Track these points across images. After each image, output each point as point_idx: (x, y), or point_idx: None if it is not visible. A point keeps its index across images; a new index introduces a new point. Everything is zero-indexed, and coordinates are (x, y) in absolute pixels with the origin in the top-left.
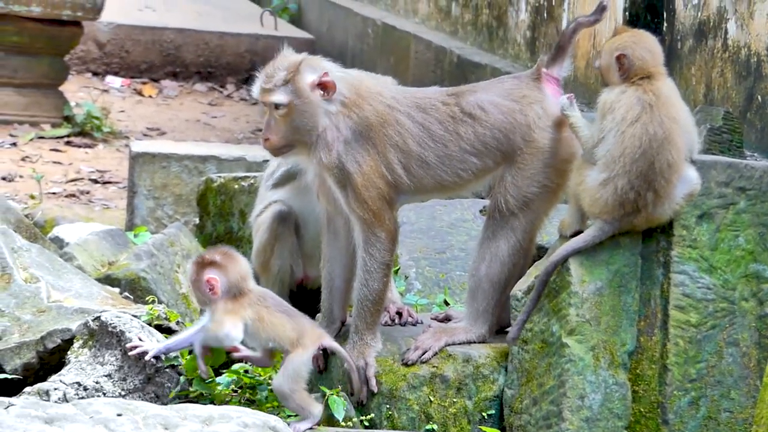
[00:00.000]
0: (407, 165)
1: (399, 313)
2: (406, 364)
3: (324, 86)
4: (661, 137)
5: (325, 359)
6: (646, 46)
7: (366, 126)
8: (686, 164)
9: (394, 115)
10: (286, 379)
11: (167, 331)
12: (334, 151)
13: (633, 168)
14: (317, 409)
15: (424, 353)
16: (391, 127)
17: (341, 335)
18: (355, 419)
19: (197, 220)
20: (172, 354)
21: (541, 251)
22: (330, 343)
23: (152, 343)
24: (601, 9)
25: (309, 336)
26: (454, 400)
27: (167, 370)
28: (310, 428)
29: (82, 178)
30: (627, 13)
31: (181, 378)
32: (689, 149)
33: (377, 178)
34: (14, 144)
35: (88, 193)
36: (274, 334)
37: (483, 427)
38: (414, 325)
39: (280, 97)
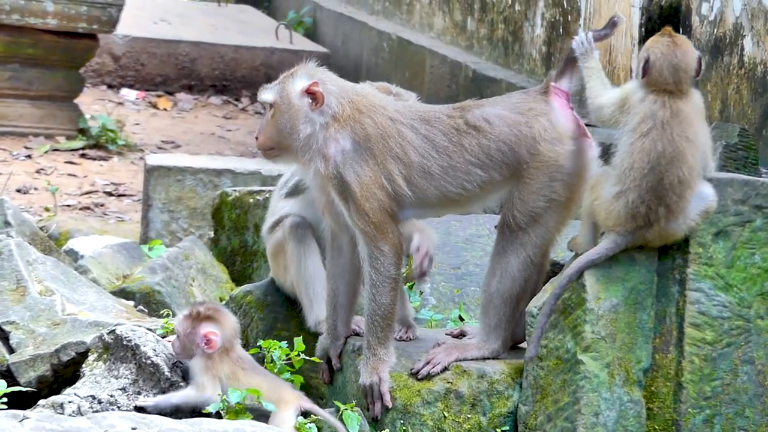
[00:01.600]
0: (408, 176)
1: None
2: (414, 376)
3: (313, 95)
4: (670, 155)
5: (330, 373)
6: (672, 61)
7: (365, 137)
8: (701, 181)
9: (396, 127)
10: None
11: None
12: (332, 162)
13: (643, 183)
14: None
15: (433, 367)
16: (391, 138)
17: (356, 351)
18: None
19: (212, 234)
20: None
21: (556, 267)
22: (310, 405)
23: (150, 400)
24: (613, 24)
25: (288, 395)
26: (469, 416)
27: (182, 384)
28: None
29: (97, 191)
30: (643, 29)
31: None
32: (702, 168)
33: (377, 189)
34: (29, 156)
35: (102, 205)
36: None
37: None
38: (407, 340)
39: (267, 95)
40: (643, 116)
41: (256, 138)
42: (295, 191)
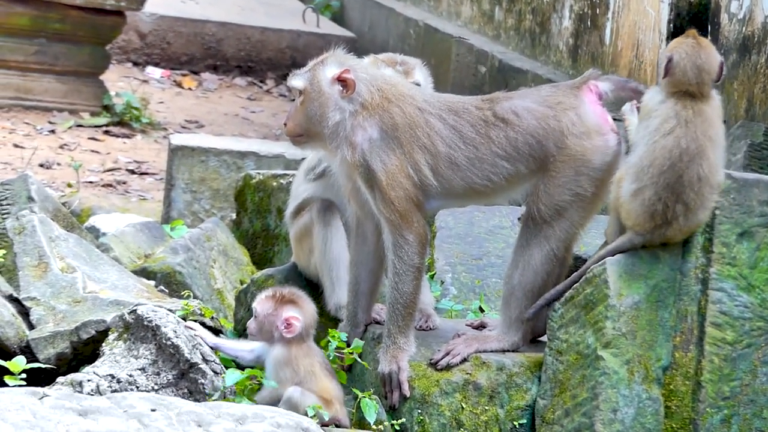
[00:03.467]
0: (435, 166)
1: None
2: (433, 366)
3: (344, 83)
4: (693, 152)
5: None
6: (697, 62)
7: (392, 126)
8: (721, 178)
9: (424, 117)
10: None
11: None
12: (359, 149)
13: (660, 179)
14: None
15: (452, 357)
16: (419, 128)
17: (375, 339)
18: (386, 423)
19: (234, 216)
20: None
21: (578, 262)
22: (346, 421)
23: (206, 333)
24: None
25: (338, 406)
26: (486, 407)
27: (201, 366)
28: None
29: (120, 168)
30: (671, 25)
31: (224, 383)
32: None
33: (403, 178)
34: (53, 131)
35: (124, 183)
36: (316, 390)
37: None
38: (426, 330)
39: (297, 81)
40: (666, 116)
41: (285, 124)
42: (322, 175)
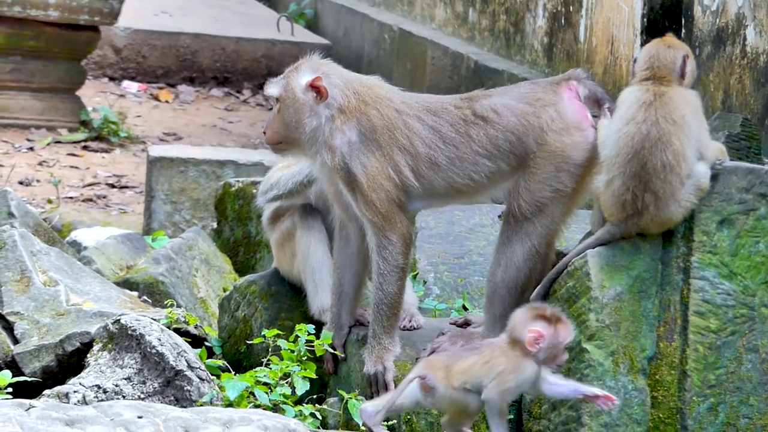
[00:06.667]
0: (415, 167)
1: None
2: None
3: (316, 90)
4: (654, 137)
5: (335, 362)
6: (655, 49)
7: (371, 129)
8: (693, 166)
9: (403, 118)
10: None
11: (185, 335)
12: (338, 153)
13: (627, 169)
14: None
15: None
16: (398, 130)
17: (360, 341)
18: None
19: (215, 225)
20: None
21: (560, 257)
22: None
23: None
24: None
25: None
26: None
27: (186, 373)
28: None
29: (99, 183)
30: (645, 19)
31: (212, 392)
32: (697, 155)
33: (384, 180)
34: (31, 149)
35: (105, 197)
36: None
37: None
38: (411, 330)
39: (273, 89)
40: (629, 103)
41: (264, 132)
42: (277, 198)
